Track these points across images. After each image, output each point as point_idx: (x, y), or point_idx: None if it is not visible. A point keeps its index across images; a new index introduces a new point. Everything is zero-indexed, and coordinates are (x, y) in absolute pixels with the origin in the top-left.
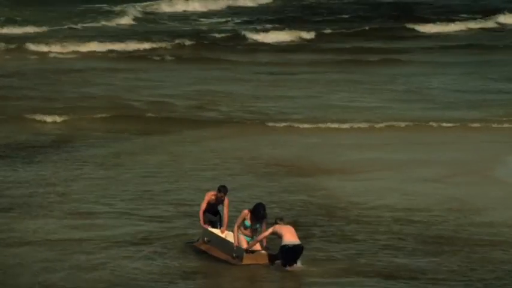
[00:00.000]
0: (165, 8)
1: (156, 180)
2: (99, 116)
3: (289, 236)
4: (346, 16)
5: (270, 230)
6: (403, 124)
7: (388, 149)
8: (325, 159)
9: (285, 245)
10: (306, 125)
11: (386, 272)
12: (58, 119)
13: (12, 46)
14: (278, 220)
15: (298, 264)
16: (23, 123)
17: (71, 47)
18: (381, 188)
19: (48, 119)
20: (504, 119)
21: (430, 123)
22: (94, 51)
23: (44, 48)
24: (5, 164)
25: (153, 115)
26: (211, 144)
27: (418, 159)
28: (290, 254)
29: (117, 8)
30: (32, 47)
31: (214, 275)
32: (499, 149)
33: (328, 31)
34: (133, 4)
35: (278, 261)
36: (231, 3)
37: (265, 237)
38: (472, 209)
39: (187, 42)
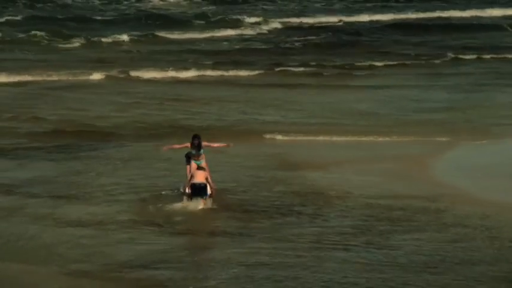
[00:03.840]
0: None
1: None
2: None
3: (198, 178)
4: None
5: (190, 175)
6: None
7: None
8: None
9: (194, 183)
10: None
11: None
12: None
13: None
14: (199, 167)
15: (202, 201)
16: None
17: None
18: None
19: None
20: None
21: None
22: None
23: None
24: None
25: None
26: None
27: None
28: (196, 190)
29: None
30: None
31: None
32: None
33: None
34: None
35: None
36: None
37: (189, 180)
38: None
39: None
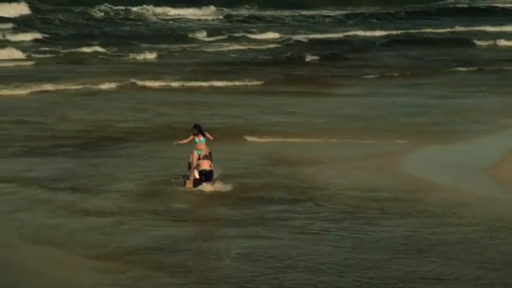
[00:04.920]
0: None
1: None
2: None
3: (204, 165)
4: None
5: (195, 165)
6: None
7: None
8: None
9: (202, 170)
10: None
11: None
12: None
13: None
14: (203, 157)
15: (210, 185)
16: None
17: None
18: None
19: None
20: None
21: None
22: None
23: None
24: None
25: None
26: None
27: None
28: (205, 176)
29: None
30: None
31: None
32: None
33: None
34: None
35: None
36: None
37: (195, 168)
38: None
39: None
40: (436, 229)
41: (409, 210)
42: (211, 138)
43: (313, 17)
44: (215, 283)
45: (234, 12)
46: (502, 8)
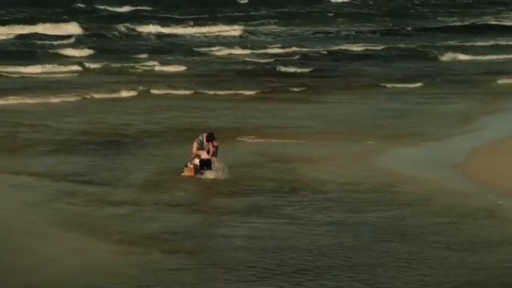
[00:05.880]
0: None
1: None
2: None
3: (204, 155)
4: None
5: (195, 154)
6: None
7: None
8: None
9: (202, 159)
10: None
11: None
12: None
13: None
14: (200, 151)
15: (209, 173)
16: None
17: None
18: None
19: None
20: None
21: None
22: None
23: None
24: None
25: None
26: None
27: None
28: (204, 164)
29: None
30: None
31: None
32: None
33: None
34: None
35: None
36: None
37: (194, 157)
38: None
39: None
40: (411, 216)
41: (387, 200)
42: (212, 150)
43: (314, 31)
44: (229, 263)
45: (244, 28)
46: (478, 25)
